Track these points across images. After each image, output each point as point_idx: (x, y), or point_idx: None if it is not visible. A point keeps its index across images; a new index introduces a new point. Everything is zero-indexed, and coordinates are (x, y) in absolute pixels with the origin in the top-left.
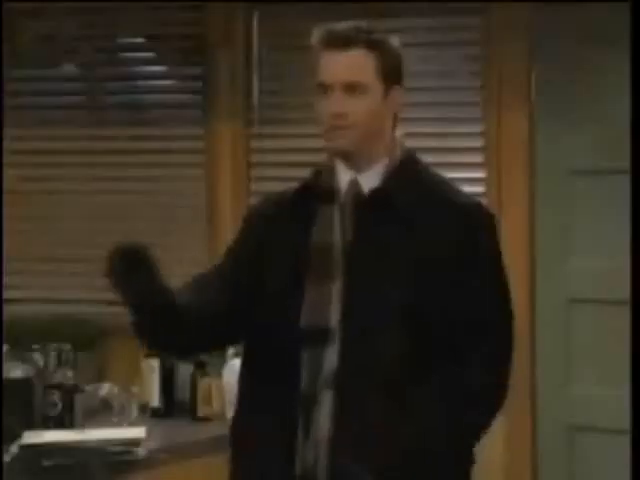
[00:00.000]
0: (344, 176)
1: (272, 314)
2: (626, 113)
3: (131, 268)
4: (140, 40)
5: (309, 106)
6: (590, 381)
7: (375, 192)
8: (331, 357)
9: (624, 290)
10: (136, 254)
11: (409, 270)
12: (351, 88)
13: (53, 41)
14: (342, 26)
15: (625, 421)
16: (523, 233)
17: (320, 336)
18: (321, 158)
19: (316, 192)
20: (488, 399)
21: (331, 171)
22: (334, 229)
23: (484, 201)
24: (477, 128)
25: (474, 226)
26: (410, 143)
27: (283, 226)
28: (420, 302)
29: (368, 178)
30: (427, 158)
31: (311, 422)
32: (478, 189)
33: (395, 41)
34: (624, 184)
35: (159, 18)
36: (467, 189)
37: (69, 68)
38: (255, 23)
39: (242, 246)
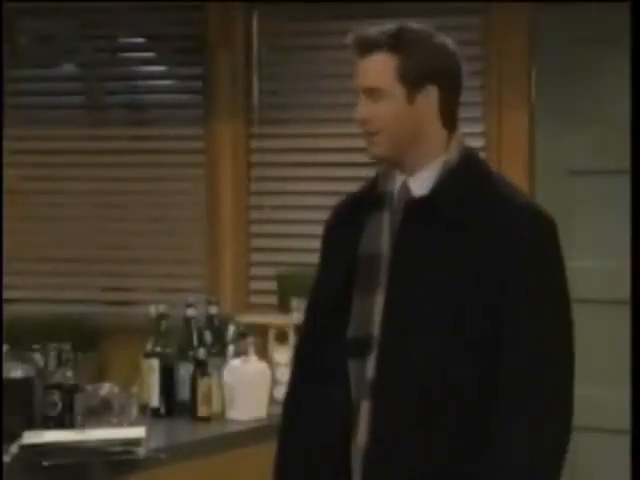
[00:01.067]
0: (398, 179)
1: (323, 325)
2: (626, 113)
3: None
4: (140, 40)
5: (309, 106)
6: (590, 381)
7: (422, 199)
8: (371, 367)
9: (624, 290)
10: None
11: (453, 282)
12: (371, 94)
13: (53, 41)
14: (369, 30)
15: (625, 421)
16: None
17: (363, 346)
18: (321, 158)
19: (369, 198)
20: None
21: (387, 175)
22: (382, 235)
23: None
24: (477, 128)
25: (525, 235)
26: None
27: (339, 235)
28: (462, 317)
29: (419, 182)
30: None
31: (354, 431)
32: None
33: (434, 40)
34: (624, 184)
35: (159, 18)
36: None
37: (69, 68)
38: (255, 23)
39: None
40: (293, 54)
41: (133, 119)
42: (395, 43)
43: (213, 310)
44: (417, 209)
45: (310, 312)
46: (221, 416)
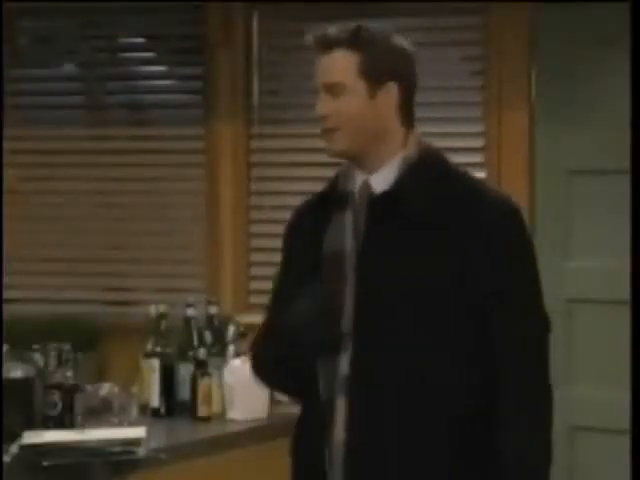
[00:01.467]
0: (358, 178)
1: (291, 323)
2: (626, 113)
3: None
4: (140, 40)
5: (309, 106)
6: (590, 381)
7: (386, 194)
8: (345, 364)
9: (624, 290)
10: None
11: (421, 275)
12: (332, 89)
13: (53, 41)
14: (333, 29)
15: (625, 421)
16: None
17: (334, 343)
18: (320, 158)
19: (332, 197)
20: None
21: (347, 174)
22: (346, 234)
23: None
24: (477, 128)
25: (497, 224)
26: None
27: (303, 235)
28: (433, 308)
29: (380, 178)
30: None
31: (331, 426)
32: None
33: (393, 39)
34: (624, 184)
35: (159, 18)
36: None
37: (69, 68)
38: (255, 23)
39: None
40: (293, 54)
41: (133, 119)
42: (355, 40)
43: (213, 310)
44: (380, 206)
45: (274, 312)
46: (221, 416)
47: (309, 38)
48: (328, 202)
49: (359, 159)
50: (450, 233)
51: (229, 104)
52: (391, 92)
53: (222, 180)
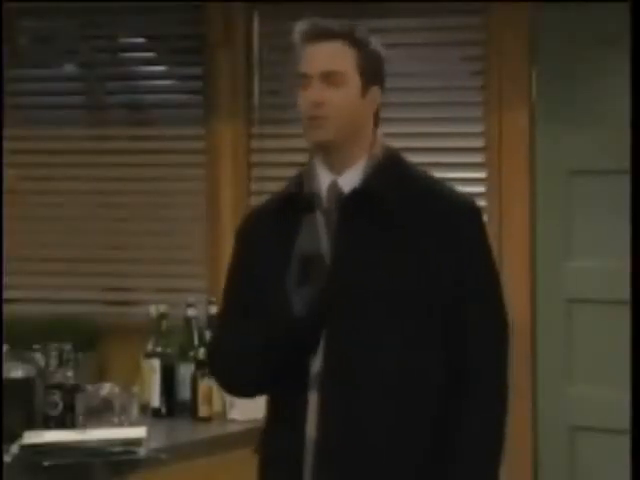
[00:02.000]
0: (324, 179)
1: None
2: (626, 113)
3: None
4: (140, 40)
5: None
6: (590, 381)
7: (356, 193)
8: (317, 360)
9: (624, 290)
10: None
11: (389, 274)
12: (330, 78)
13: (53, 41)
14: (324, 21)
15: (625, 421)
16: (523, 233)
17: (313, 342)
18: None
19: (298, 200)
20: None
21: (312, 176)
22: (320, 236)
23: (484, 201)
24: (478, 128)
25: (460, 224)
26: (410, 143)
27: (269, 236)
28: (400, 306)
29: (347, 179)
30: (428, 158)
31: (303, 421)
32: (479, 189)
33: (378, 44)
34: (624, 184)
35: (159, 18)
36: (468, 189)
37: (69, 68)
38: (255, 23)
39: (245, 271)
40: (293, 54)
41: (133, 119)
42: (352, 37)
43: (214, 310)
44: (351, 205)
45: (234, 309)
46: (222, 416)
47: (299, 28)
48: (294, 204)
49: (333, 154)
50: (415, 233)
51: (229, 104)
52: (375, 95)
53: (222, 180)
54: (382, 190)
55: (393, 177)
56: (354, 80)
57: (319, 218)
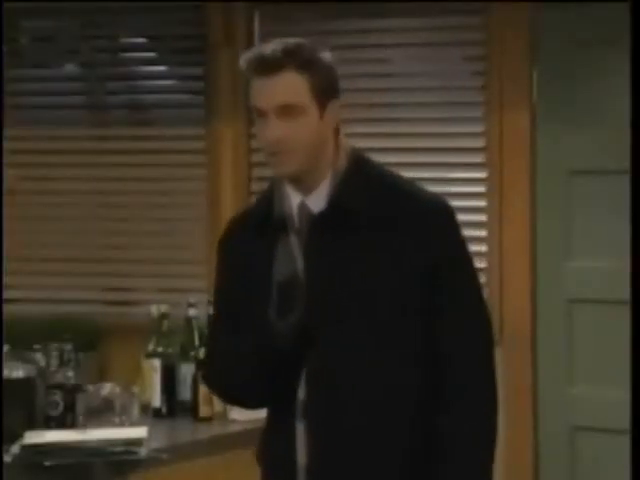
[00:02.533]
0: (294, 200)
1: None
2: (627, 113)
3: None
4: (141, 40)
5: None
6: (591, 381)
7: (323, 215)
8: (300, 387)
9: (624, 290)
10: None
11: (370, 285)
12: (287, 111)
13: (54, 41)
14: (269, 50)
15: (625, 421)
16: (524, 233)
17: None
18: None
19: (271, 221)
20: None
21: (281, 196)
22: (295, 258)
23: (484, 201)
24: (478, 128)
25: (431, 223)
26: (411, 143)
27: (244, 254)
28: (384, 318)
29: (315, 198)
30: (428, 158)
31: (293, 449)
32: (479, 189)
33: (326, 56)
34: (625, 184)
35: (160, 18)
36: (468, 189)
37: (70, 68)
38: (256, 23)
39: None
40: None
41: (134, 119)
42: (300, 61)
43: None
44: (320, 225)
45: (223, 322)
46: (223, 416)
47: (245, 59)
48: (269, 222)
49: (300, 180)
50: (385, 233)
51: (230, 104)
52: (334, 110)
53: (223, 180)
54: (350, 204)
55: (360, 185)
56: (310, 107)
57: (292, 239)
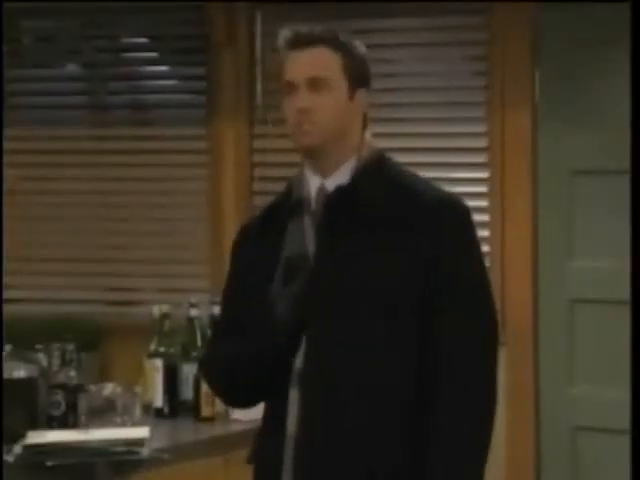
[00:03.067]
0: (313, 184)
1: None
2: (629, 113)
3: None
4: (143, 40)
5: None
6: (592, 381)
7: (339, 191)
8: (299, 357)
9: (626, 290)
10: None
11: (372, 273)
12: (316, 84)
13: (56, 41)
14: (307, 28)
15: (626, 421)
16: (526, 233)
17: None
18: None
19: (286, 207)
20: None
21: (300, 182)
22: (306, 237)
23: (486, 201)
24: (480, 128)
25: (447, 223)
26: (413, 143)
27: (261, 245)
28: (383, 305)
29: (335, 180)
30: (430, 158)
31: (284, 418)
32: (481, 189)
33: (361, 46)
34: (626, 184)
35: (162, 18)
36: (470, 189)
37: (72, 68)
38: (258, 23)
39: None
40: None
41: (136, 119)
42: (335, 41)
43: (216, 310)
44: (335, 204)
45: (225, 322)
46: (224, 416)
47: (283, 37)
48: (282, 212)
49: (321, 159)
50: (400, 232)
51: (232, 104)
52: (362, 97)
53: (225, 180)
54: (367, 189)
55: (379, 177)
56: (341, 84)
57: (306, 220)
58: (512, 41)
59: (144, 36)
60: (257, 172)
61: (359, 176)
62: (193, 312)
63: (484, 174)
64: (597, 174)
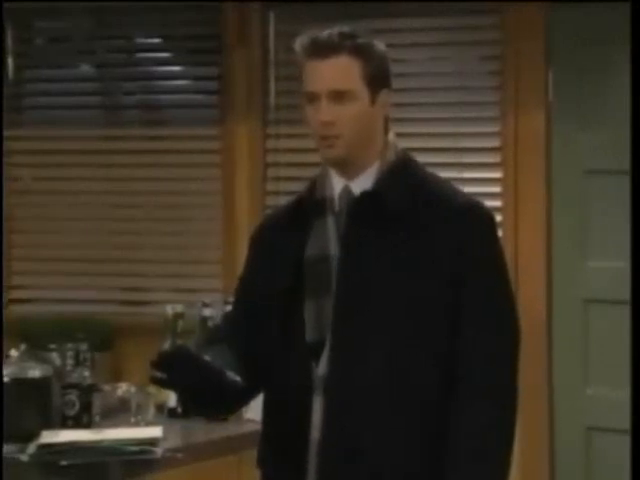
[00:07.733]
0: (337, 184)
1: (277, 332)
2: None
3: (172, 367)
4: (156, 40)
5: None
6: (606, 382)
7: (365, 195)
8: (323, 363)
9: None
10: (173, 355)
11: (397, 277)
12: (338, 96)
13: (69, 42)
14: (325, 34)
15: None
16: (540, 233)
17: (319, 347)
18: None
19: (309, 205)
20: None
21: (324, 181)
22: (330, 239)
23: (500, 201)
24: (494, 128)
25: (471, 228)
26: (426, 143)
27: (280, 239)
28: (409, 309)
29: (360, 183)
30: (443, 158)
31: (308, 424)
32: (495, 189)
33: (380, 45)
34: None
35: (175, 19)
36: (484, 189)
37: (85, 68)
38: (271, 23)
39: (253, 277)
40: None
41: (149, 119)
42: (354, 46)
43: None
44: (360, 207)
45: (241, 310)
46: (238, 416)
47: (300, 43)
48: (305, 209)
49: (349, 164)
50: (426, 236)
51: (245, 104)
52: (385, 99)
53: (238, 180)
54: (392, 192)
55: (404, 180)
56: (362, 92)
57: (330, 221)
58: (526, 41)
59: (157, 36)
60: (270, 172)
61: (384, 180)
62: (206, 312)
63: (498, 174)
64: (611, 174)
